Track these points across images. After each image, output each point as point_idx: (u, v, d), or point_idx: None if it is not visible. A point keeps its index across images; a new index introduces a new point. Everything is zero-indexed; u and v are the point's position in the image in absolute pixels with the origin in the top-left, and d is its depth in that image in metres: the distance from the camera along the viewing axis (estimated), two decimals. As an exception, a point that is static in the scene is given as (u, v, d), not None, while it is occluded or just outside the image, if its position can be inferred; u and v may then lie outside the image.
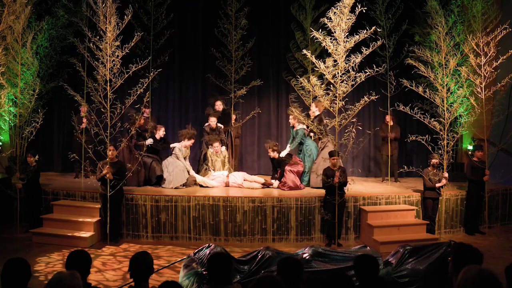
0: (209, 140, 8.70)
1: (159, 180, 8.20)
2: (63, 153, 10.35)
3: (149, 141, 8.24)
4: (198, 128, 9.42)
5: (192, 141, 8.47)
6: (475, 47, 7.57)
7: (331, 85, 6.92)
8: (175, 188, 8.03)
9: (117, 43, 6.71)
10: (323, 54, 8.13)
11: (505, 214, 8.49)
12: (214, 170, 8.66)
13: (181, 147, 8.36)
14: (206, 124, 9.17)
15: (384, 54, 8.93)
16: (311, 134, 8.76)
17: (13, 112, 7.70)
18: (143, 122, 8.38)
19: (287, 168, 8.15)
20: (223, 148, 8.83)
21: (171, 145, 8.50)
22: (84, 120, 8.96)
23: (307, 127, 8.55)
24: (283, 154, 8.42)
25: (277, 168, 8.51)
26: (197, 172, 8.81)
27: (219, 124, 9.14)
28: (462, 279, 2.20)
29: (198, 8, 10.32)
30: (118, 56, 6.70)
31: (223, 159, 8.77)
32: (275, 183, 8.30)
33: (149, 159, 8.26)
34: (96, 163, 7.01)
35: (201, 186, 8.32)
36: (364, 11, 6.48)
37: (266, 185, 8.38)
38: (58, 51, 8.98)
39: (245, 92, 9.66)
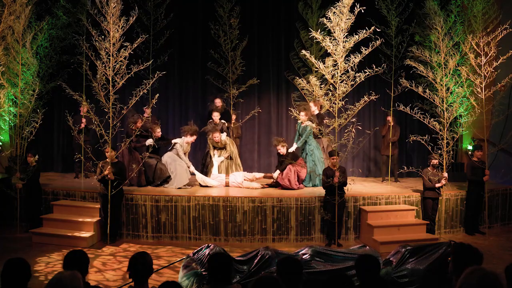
0: (209, 130, 8.70)
1: (164, 182, 8.19)
2: (63, 153, 10.37)
3: (149, 141, 8.21)
4: (199, 124, 9.41)
5: (195, 137, 8.46)
6: (475, 47, 7.57)
7: (331, 85, 6.92)
8: (178, 188, 8.04)
9: (127, 44, 6.68)
10: (329, 53, 8.11)
11: (505, 214, 8.48)
12: (218, 156, 8.63)
13: (183, 143, 8.36)
14: (210, 120, 9.20)
15: (390, 54, 8.91)
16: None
17: (13, 112, 7.71)
18: (140, 124, 8.27)
19: (289, 166, 8.13)
20: (224, 135, 8.79)
21: (173, 141, 8.47)
22: (83, 120, 8.97)
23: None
24: (291, 149, 8.39)
25: (282, 161, 8.48)
26: (204, 170, 8.80)
27: (222, 121, 9.19)
28: (464, 282, 2.15)
29: (197, 7, 10.32)
30: (126, 57, 6.68)
31: (230, 152, 8.75)
32: (275, 174, 8.29)
33: (153, 160, 8.19)
34: (96, 163, 7.01)
35: (201, 185, 8.33)
36: (363, 11, 6.45)
37: (266, 177, 8.47)
38: (58, 51, 8.98)
39: (236, 93, 9.64)
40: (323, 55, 7.74)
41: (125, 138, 7.76)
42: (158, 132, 8.36)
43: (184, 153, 8.42)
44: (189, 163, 8.47)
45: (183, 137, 8.41)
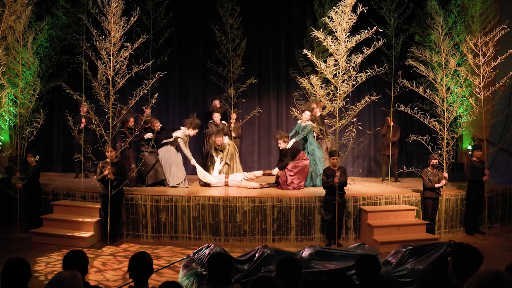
0: (212, 133, 8.69)
1: (158, 183, 8.18)
2: (63, 153, 10.37)
3: (149, 135, 8.11)
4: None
5: (196, 130, 8.45)
6: (473, 47, 7.57)
7: (332, 85, 6.92)
8: (173, 186, 8.04)
9: (128, 44, 6.67)
10: None
11: (505, 214, 8.48)
12: (220, 158, 8.66)
13: (183, 136, 8.34)
14: (210, 121, 9.21)
15: (390, 54, 8.89)
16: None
17: (13, 112, 7.71)
18: (132, 123, 8.19)
19: (290, 165, 8.15)
20: (226, 138, 8.80)
21: (174, 134, 8.43)
22: (83, 120, 8.96)
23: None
24: (288, 146, 8.39)
25: (283, 160, 8.50)
26: (205, 165, 8.80)
27: (223, 122, 9.19)
28: (476, 281, 2.12)
29: (197, 7, 10.32)
30: (126, 58, 6.67)
31: (233, 151, 8.75)
32: (274, 170, 8.29)
33: (152, 159, 8.14)
34: (96, 163, 7.01)
35: (200, 182, 8.33)
36: (365, 11, 6.44)
37: (266, 174, 8.52)
38: (58, 51, 8.98)
39: (232, 92, 9.60)
40: (331, 54, 7.67)
41: (124, 139, 7.76)
42: (157, 126, 8.28)
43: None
44: (190, 155, 8.47)
45: (183, 129, 8.38)
